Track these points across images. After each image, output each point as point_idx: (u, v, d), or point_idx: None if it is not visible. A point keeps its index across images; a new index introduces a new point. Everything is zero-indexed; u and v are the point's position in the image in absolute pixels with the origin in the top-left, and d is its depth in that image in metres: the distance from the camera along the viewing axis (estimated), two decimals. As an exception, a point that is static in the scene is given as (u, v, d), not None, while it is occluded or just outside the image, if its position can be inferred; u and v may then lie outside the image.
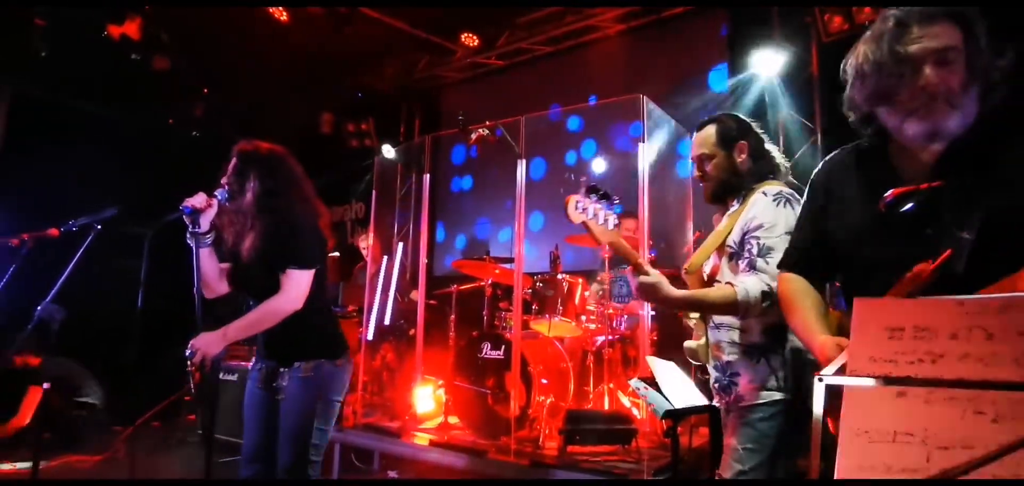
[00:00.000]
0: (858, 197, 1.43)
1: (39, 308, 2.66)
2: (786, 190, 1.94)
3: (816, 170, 1.58)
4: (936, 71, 1.25)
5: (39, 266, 2.63)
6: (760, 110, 5.12)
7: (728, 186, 2.04)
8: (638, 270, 1.84)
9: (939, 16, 1.27)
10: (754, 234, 1.86)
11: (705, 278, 2.06)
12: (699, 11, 5.61)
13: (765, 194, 1.92)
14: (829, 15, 4.47)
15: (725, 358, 1.98)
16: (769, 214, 1.86)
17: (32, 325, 2.79)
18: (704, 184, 2.09)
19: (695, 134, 2.12)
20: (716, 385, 2.03)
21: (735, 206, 2.02)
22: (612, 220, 1.87)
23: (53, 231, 2.68)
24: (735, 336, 1.95)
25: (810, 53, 5.03)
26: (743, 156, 2.03)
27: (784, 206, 1.87)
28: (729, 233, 1.96)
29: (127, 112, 6.82)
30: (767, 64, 4.98)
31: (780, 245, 1.79)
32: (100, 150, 6.36)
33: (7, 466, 4.42)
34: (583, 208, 1.85)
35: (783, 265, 1.62)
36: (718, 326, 2.00)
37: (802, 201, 1.62)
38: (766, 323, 1.88)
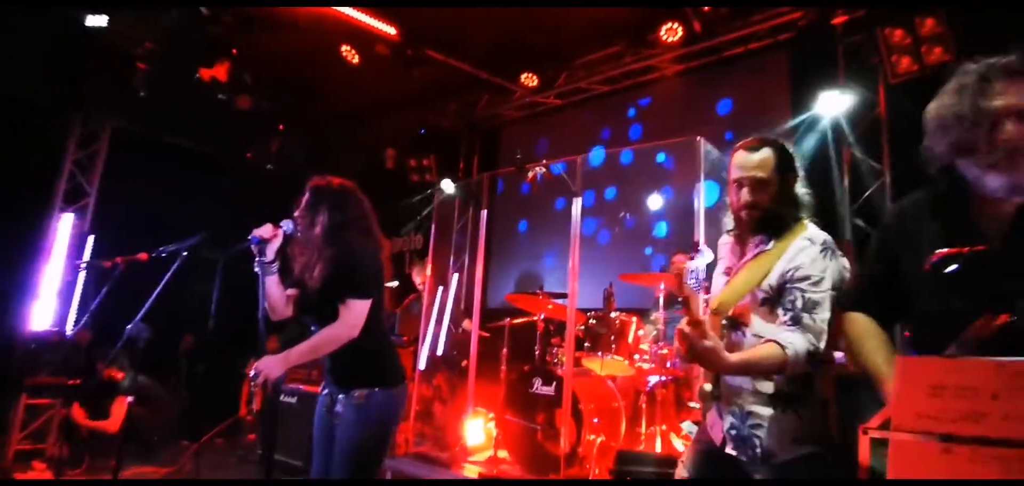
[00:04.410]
0: (933, 245, 1.43)
1: (129, 326, 2.90)
2: (829, 239, 1.79)
3: (889, 212, 1.64)
4: (1018, 126, 1.28)
5: (129, 287, 2.86)
6: (823, 150, 5.01)
7: (778, 218, 1.83)
8: (700, 331, 1.60)
9: (1022, 71, 1.31)
10: (798, 285, 1.72)
11: (728, 317, 1.88)
12: (761, 52, 5.57)
13: (812, 242, 1.76)
14: (896, 56, 4.35)
15: (747, 407, 1.81)
16: (817, 266, 1.72)
17: (121, 342, 3.03)
18: (749, 211, 1.84)
19: (746, 154, 1.86)
20: (733, 433, 1.84)
21: (769, 245, 1.83)
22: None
23: (143, 256, 2.92)
24: (760, 384, 1.79)
25: (877, 94, 4.89)
26: (794, 188, 1.87)
27: (831, 258, 1.74)
28: (765, 275, 1.79)
29: (211, 146, 7.39)
30: (831, 105, 4.88)
31: (826, 301, 1.70)
32: (186, 180, 6.91)
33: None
34: (698, 281, 1.81)
35: (850, 304, 1.63)
36: None
37: (873, 239, 1.64)
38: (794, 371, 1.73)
